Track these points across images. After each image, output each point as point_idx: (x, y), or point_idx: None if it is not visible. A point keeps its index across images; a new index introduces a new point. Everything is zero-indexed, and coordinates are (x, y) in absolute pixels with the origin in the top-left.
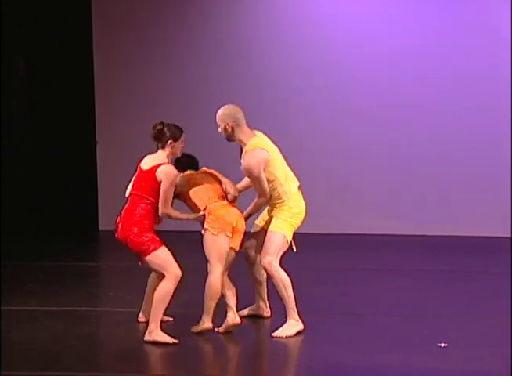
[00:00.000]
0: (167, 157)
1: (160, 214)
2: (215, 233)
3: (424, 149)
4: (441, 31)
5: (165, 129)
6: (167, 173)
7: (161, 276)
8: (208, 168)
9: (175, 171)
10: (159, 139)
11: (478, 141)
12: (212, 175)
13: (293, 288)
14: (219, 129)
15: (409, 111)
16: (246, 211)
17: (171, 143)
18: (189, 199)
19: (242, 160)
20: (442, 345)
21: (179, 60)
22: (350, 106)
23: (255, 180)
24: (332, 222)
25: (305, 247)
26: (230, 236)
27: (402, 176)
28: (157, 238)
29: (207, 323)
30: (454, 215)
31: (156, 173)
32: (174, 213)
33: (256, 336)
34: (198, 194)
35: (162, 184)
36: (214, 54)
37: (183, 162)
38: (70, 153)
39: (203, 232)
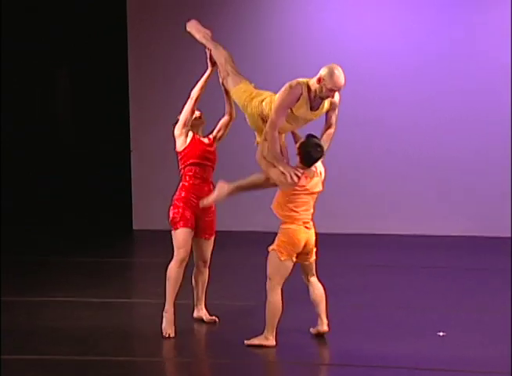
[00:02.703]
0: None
1: None
2: (282, 258)
3: (429, 153)
4: (452, 41)
5: None
6: None
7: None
8: None
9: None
10: None
11: (480, 143)
12: None
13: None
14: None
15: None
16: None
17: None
18: None
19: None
20: (441, 333)
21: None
22: (360, 114)
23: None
24: (347, 223)
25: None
26: (295, 260)
27: (406, 180)
28: (187, 217)
29: (270, 340)
30: (458, 215)
31: None
32: None
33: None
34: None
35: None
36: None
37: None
38: (108, 160)
39: (270, 249)
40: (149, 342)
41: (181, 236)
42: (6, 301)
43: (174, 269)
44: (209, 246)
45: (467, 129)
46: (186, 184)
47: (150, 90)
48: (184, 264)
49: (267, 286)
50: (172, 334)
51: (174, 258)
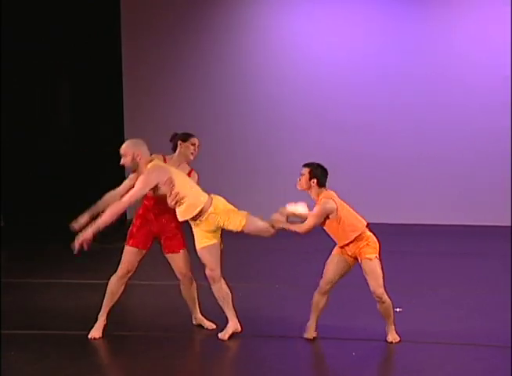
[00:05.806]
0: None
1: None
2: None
3: (426, 149)
4: (447, 46)
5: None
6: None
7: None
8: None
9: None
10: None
11: (479, 138)
12: None
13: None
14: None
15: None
16: None
17: (180, 144)
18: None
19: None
20: (398, 309)
21: (198, 76)
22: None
23: None
24: None
25: None
26: None
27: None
28: (138, 236)
29: None
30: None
31: None
32: None
33: None
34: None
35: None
36: (232, 74)
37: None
38: (106, 159)
39: (370, 259)
40: (144, 318)
41: (126, 254)
42: (12, 282)
43: (112, 283)
44: (179, 260)
45: (467, 123)
46: (146, 203)
47: (144, 89)
48: (124, 280)
49: (384, 292)
50: (97, 337)
51: (116, 272)
